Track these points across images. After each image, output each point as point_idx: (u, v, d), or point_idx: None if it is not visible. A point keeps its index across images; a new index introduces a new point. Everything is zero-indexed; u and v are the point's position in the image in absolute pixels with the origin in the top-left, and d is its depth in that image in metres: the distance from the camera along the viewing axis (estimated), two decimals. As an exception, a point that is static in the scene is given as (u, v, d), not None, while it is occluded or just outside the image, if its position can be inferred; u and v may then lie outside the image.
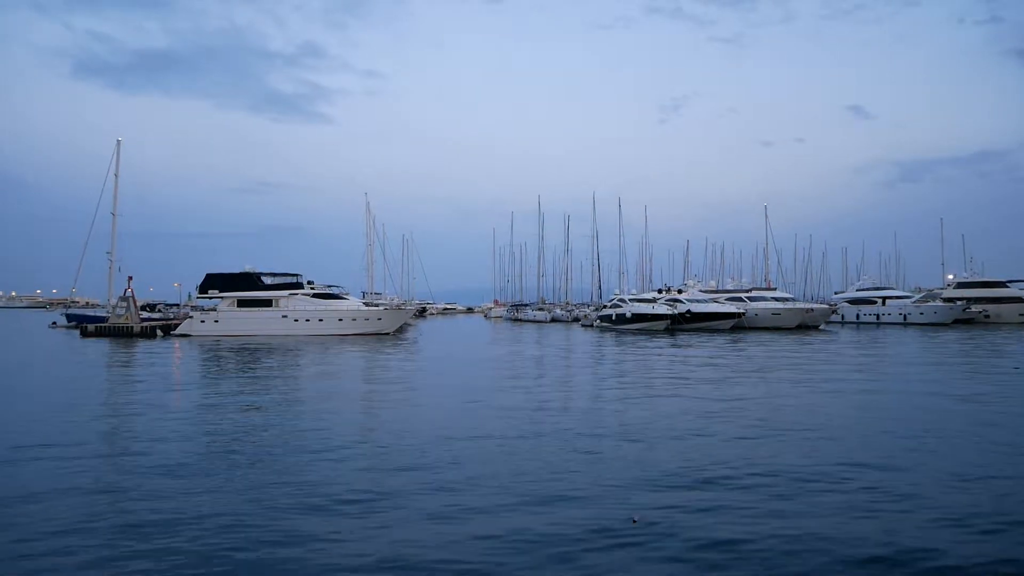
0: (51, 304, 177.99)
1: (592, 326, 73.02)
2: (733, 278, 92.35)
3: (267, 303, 55.49)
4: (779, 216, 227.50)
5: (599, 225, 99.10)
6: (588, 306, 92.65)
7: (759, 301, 67.36)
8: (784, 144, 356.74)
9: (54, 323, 71.67)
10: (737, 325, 63.11)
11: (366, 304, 59.73)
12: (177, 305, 70.94)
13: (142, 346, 43.22)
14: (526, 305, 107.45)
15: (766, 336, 51.83)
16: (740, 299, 68.44)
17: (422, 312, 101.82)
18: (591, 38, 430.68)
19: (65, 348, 41.86)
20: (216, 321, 55.00)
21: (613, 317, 66.76)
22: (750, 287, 77.28)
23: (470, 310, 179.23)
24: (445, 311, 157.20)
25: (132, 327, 53.67)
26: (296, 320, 54.69)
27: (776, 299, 68.05)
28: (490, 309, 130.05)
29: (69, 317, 70.46)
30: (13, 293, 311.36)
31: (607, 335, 56.09)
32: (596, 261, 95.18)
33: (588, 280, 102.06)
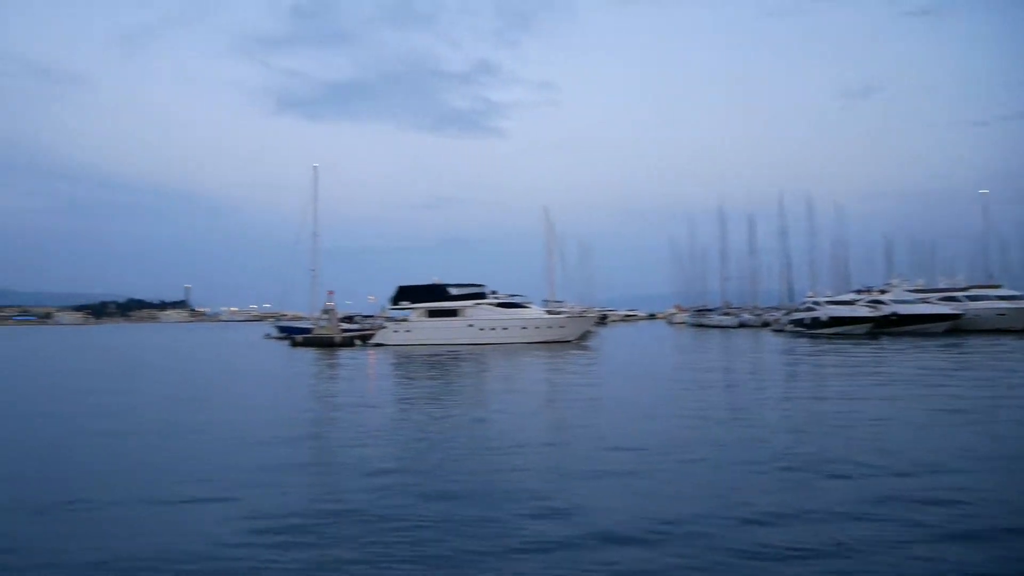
0: (265, 318, 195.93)
1: (783, 331, 69.23)
2: (946, 275, 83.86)
3: (454, 313, 57.55)
4: (999, 202, 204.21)
5: (786, 223, 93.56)
6: (778, 310, 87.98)
7: (980, 300, 60.65)
8: (999, 122, 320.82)
9: (267, 335, 78.59)
10: (954, 328, 57.19)
11: (548, 312, 60.30)
12: (372, 316, 75.29)
13: (343, 355, 46.27)
14: (711, 310, 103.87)
15: (990, 340, 46.52)
16: (955, 298, 62.03)
17: (603, 319, 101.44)
18: (764, 28, 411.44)
19: (283, 357, 45.69)
20: (408, 331, 57.82)
21: (807, 321, 62.86)
22: (967, 285, 69.88)
23: (652, 316, 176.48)
24: (626, 318, 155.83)
25: (334, 338, 57.63)
26: (481, 329, 56.25)
27: (1001, 297, 60.99)
28: (672, 315, 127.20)
29: (280, 329, 77.02)
30: (233, 308, 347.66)
31: (800, 340, 52.88)
32: (786, 262, 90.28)
33: (775, 283, 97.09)
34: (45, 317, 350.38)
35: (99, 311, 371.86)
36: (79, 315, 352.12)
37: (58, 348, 70.71)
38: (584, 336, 58.41)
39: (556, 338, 55.68)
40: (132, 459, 12.82)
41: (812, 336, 57.83)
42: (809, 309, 65.20)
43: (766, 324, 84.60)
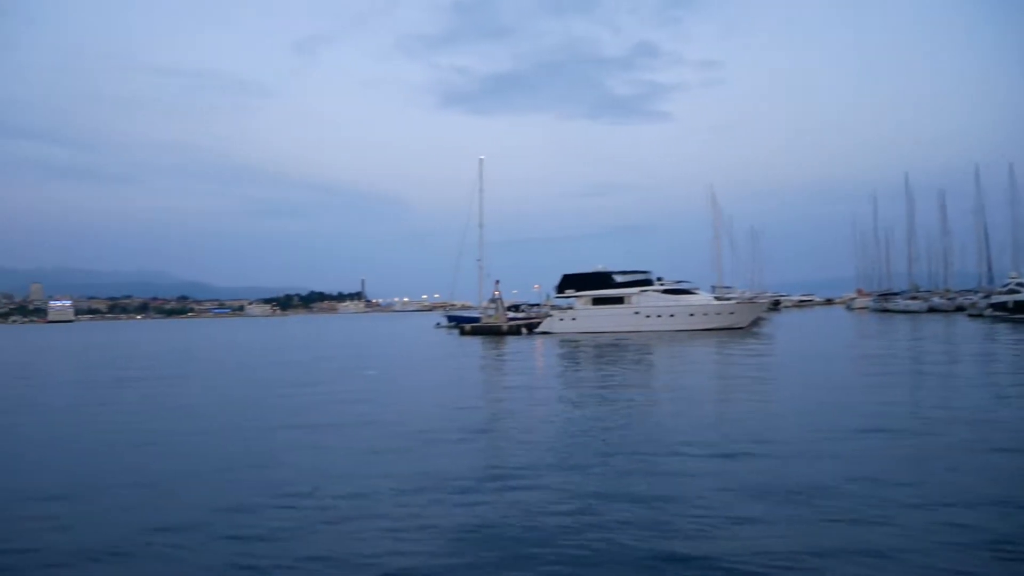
0: (435, 307, 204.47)
1: (981, 315, 63.50)
2: None
3: (619, 300, 57.58)
4: None
5: (983, 198, 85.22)
6: (975, 293, 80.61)
7: None
8: None
9: (438, 324, 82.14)
10: None
11: (717, 299, 58.91)
12: (538, 305, 76.73)
13: (511, 343, 47.69)
14: (896, 294, 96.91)
15: None
16: None
17: (775, 305, 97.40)
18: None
19: (453, 346, 47.82)
20: (573, 319, 58.52)
21: (1010, 305, 57.31)
22: None
23: (829, 301, 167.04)
24: (801, 303, 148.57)
25: (501, 326, 59.41)
26: (647, 316, 55.92)
27: None
28: (852, 300, 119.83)
29: (449, 319, 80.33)
30: (405, 299, 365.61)
31: (1002, 326, 48.41)
32: (984, 240, 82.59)
33: (971, 264, 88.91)
34: (238, 309, 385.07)
35: (284, 303, 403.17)
36: (267, 307, 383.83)
37: (274, 338, 77.39)
38: (755, 323, 56.57)
39: (726, 325, 54.33)
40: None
41: (1017, 321, 52.75)
42: (1013, 291, 59.48)
43: (960, 308, 77.81)
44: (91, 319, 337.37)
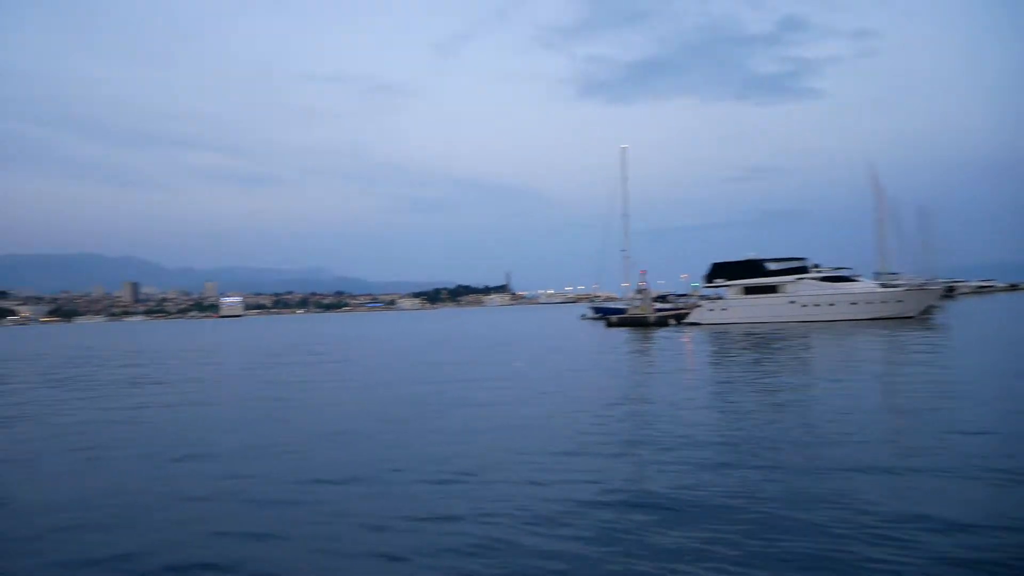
0: (579, 299, 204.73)
1: None
2: None
3: (772, 289, 55.19)
4: None
5: None
6: None
7: None
8: None
9: (583, 316, 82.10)
10: None
11: (883, 286, 55.15)
12: (685, 295, 75.00)
13: (660, 335, 46.85)
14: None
15: None
16: None
17: (950, 292, 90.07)
18: None
19: (601, 337, 47.61)
20: (724, 309, 56.68)
21: None
22: None
23: (1013, 287, 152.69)
24: (980, 290, 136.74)
25: (648, 317, 58.52)
26: (804, 306, 53.26)
27: None
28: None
29: (595, 310, 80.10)
30: (550, 291, 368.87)
31: None
32: None
33: None
34: (390, 303, 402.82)
35: (433, 297, 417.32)
36: (416, 301, 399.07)
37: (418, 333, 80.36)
38: (927, 311, 52.45)
39: (892, 314, 50.78)
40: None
41: None
42: None
43: None
44: (258, 314, 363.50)
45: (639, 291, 62.26)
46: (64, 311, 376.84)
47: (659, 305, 64.54)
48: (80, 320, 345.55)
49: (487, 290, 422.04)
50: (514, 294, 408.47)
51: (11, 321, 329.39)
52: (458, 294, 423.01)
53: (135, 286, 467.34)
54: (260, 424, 16.13)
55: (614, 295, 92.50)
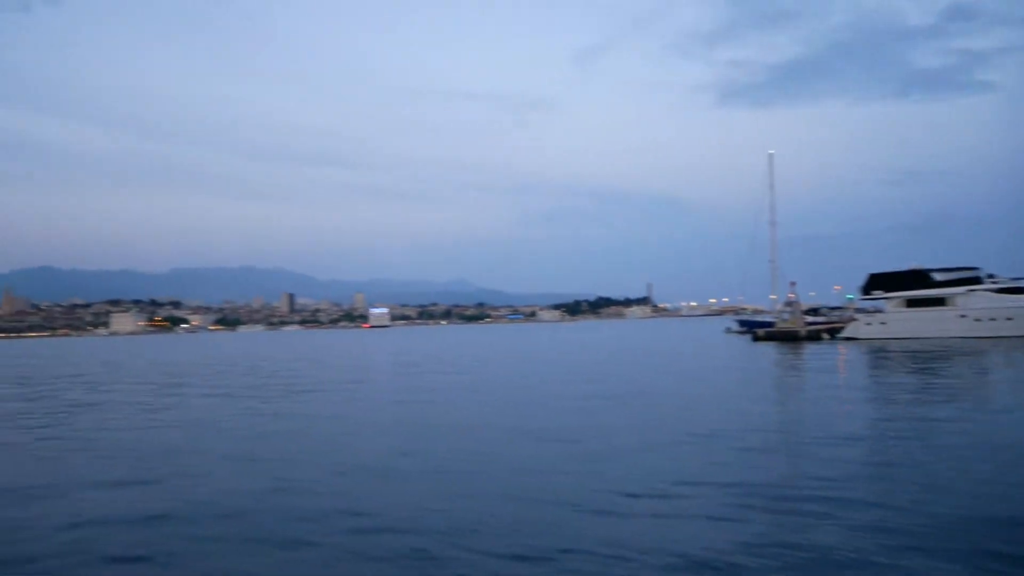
0: (724, 312, 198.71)
1: None
2: None
3: (940, 302, 51.08)
4: None
5: None
6: None
7: None
8: None
9: (728, 329, 79.37)
10: None
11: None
12: (840, 308, 70.86)
13: (811, 350, 44.37)
14: None
15: None
16: None
17: None
18: None
19: (748, 352, 45.71)
20: (883, 323, 53.04)
21: None
22: None
23: None
24: None
25: (798, 331, 55.65)
26: (977, 320, 48.91)
27: None
28: None
29: (740, 323, 77.25)
30: (692, 303, 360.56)
31: None
32: None
33: None
34: (530, 315, 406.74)
35: (573, 309, 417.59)
36: (557, 313, 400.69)
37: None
38: None
39: (1083, 331, 45.71)
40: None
41: None
42: None
43: None
44: (403, 324, 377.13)
45: (788, 303, 59.40)
46: (228, 320, 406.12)
47: (811, 318, 61.32)
48: (242, 328, 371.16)
49: (628, 302, 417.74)
50: (655, 306, 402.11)
51: (183, 329, 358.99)
52: (598, 306, 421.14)
53: (291, 297, 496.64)
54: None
55: (761, 307, 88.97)
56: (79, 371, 46.19)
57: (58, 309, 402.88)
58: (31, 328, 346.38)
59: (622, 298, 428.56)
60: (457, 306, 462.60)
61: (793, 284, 59.31)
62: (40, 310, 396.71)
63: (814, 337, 54.96)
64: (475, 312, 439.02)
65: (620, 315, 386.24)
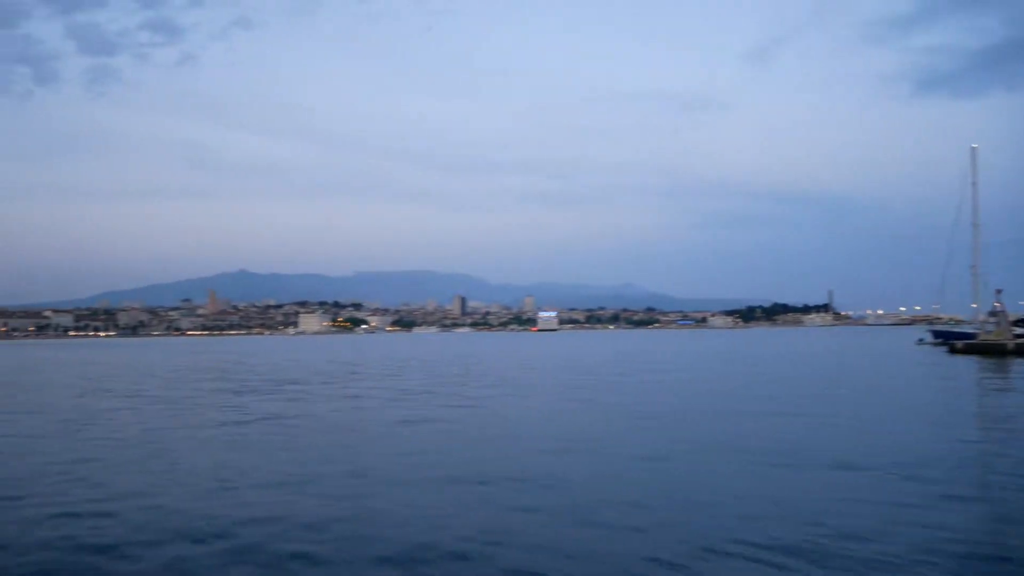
0: (915, 321, 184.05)
1: None
2: None
3: None
4: None
5: None
6: None
7: None
8: None
9: (921, 340, 73.28)
10: None
11: None
12: (1055, 320, 63.40)
13: (1017, 365, 40.08)
14: None
15: None
16: None
17: None
18: None
19: (945, 366, 42.09)
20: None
21: None
22: None
23: None
24: None
25: (1005, 344, 50.40)
26: None
27: None
28: None
29: (935, 334, 71.04)
30: (880, 311, 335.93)
31: None
32: None
33: None
34: (701, 321, 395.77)
35: (747, 316, 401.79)
36: (729, 319, 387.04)
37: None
38: None
39: None
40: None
41: None
42: None
43: None
44: (571, 328, 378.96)
45: (993, 313, 53.90)
46: (404, 322, 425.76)
47: (1019, 330, 55.30)
48: (416, 330, 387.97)
49: (806, 309, 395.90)
50: (837, 314, 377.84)
51: (363, 330, 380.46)
52: (774, 313, 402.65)
53: (463, 300, 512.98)
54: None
55: (959, 317, 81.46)
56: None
57: (254, 309, 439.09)
58: (231, 327, 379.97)
59: (800, 305, 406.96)
60: (625, 310, 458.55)
61: (999, 292, 53.82)
62: (238, 310, 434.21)
63: (1023, 351, 49.52)
64: (643, 317, 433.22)
65: (798, 323, 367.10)
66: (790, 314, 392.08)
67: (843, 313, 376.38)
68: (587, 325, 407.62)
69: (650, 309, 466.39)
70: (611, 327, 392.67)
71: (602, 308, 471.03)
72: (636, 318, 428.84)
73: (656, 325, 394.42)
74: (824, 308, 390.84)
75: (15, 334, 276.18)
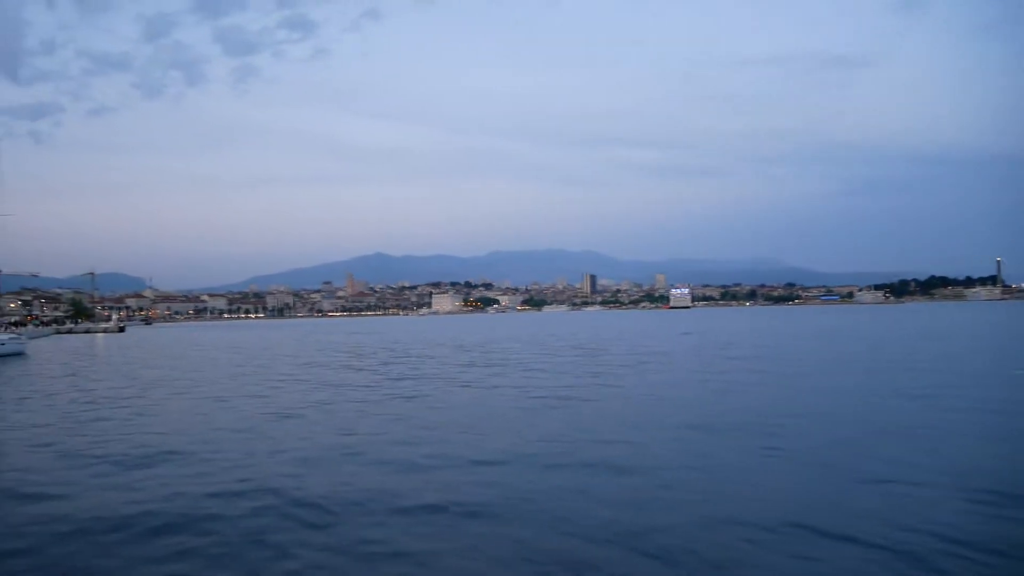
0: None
1: None
2: None
3: None
4: None
5: None
6: None
7: None
8: None
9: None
10: None
11: None
12: None
13: None
14: None
15: None
16: None
17: None
18: None
19: None
20: None
21: None
22: None
23: None
24: None
25: None
26: None
27: None
28: None
29: None
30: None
31: None
32: None
33: None
34: (847, 296, 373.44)
35: (899, 290, 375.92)
36: (878, 294, 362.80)
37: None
38: None
39: None
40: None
41: None
42: None
43: None
44: (704, 305, 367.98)
45: None
46: (534, 301, 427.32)
47: None
48: (547, 309, 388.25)
49: (969, 282, 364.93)
50: (1007, 286, 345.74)
51: (494, 309, 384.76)
52: (931, 286, 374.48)
53: (593, 278, 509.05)
54: None
55: None
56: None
57: (389, 291, 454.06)
58: (368, 308, 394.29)
59: (962, 277, 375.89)
60: (763, 286, 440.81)
61: None
62: (374, 292, 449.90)
63: None
64: (783, 292, 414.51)
65: (959, 297, 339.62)
66: (950, 287, 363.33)
67: (1014, 286, 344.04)
68: (722, 302, 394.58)
69: (791, 284, 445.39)
70: (747, 304, 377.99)
71: (738, 284, 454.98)
72: (775, 294, 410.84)
73: (797, 301, 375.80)
74: (991, 280, 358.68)
75: (177, 316, 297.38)
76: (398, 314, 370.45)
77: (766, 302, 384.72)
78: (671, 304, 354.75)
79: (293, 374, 32.35)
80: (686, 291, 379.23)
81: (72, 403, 22.96)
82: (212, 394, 24.69)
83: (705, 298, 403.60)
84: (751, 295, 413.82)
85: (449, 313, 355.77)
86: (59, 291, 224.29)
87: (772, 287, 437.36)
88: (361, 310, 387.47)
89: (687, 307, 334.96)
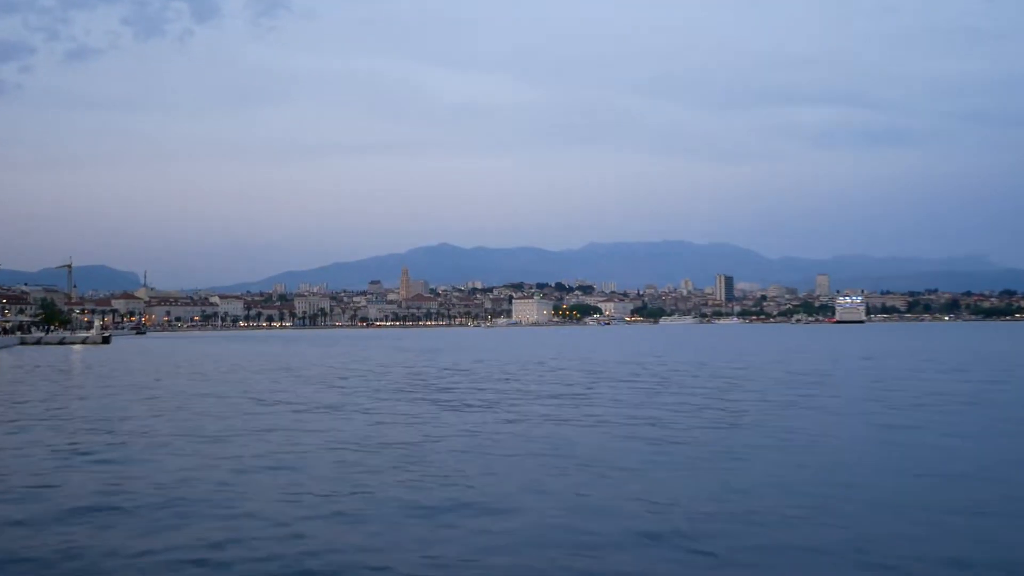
0: None
1: None
2: None
3: None
4: None
5: None
6: None
7: None
8: None
9: None
10: None
11: None
12: None
13: None
14: None
15: None
16: None
17: None
18: None
19: None
20: None
21: None
22: None
23: None
24: None
25: None
26: None
27: None
28: None
29: None
30: None
31: None
32: None
33: None
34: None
35: None
36: None
37: None
38: None
39: None
40: None
41: None
42: None
43: None
44: (885, 319, 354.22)
45: None
46: (649, 310, 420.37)
47: None
48: (665, 320, 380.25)
49: None
50: None
51: (594, 320, 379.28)
52: None
53: (728, 281, 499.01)
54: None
55: None
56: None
57: (456, 295, 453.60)
58: (428, 316, 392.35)
59: None
60: (968, 294, 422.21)
61: None
62: (436, 295, 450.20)
63: None
64: (996, 304, 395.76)
65: None
66: None
67: None
68: (909, 316, 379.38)
69: (1008, 292, 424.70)
70: (947, 318, 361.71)
71: (934, 291, 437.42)
72: (986, 305, 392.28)
73: (1017, 316, 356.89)
74: None
75: (179, 324, 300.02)
76: (466, 324, 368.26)
77: (972, 316, 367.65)
78: (837, 317, 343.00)
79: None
80: (858, 300, 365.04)
81: None
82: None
83: (885, 309, 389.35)
84: (952, 306, 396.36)
85: (534, 324, 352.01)
86: (25, 288, 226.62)
87: (982, 296, 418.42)
88: (419, 319, 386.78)
89: (860, 321, 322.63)
